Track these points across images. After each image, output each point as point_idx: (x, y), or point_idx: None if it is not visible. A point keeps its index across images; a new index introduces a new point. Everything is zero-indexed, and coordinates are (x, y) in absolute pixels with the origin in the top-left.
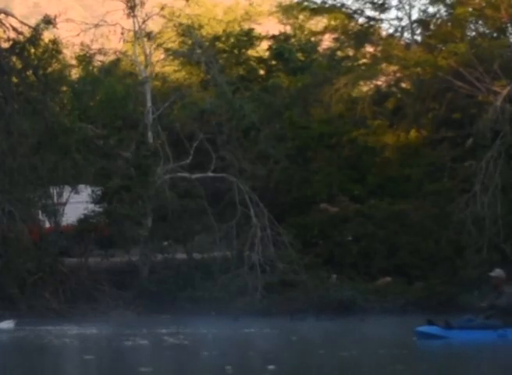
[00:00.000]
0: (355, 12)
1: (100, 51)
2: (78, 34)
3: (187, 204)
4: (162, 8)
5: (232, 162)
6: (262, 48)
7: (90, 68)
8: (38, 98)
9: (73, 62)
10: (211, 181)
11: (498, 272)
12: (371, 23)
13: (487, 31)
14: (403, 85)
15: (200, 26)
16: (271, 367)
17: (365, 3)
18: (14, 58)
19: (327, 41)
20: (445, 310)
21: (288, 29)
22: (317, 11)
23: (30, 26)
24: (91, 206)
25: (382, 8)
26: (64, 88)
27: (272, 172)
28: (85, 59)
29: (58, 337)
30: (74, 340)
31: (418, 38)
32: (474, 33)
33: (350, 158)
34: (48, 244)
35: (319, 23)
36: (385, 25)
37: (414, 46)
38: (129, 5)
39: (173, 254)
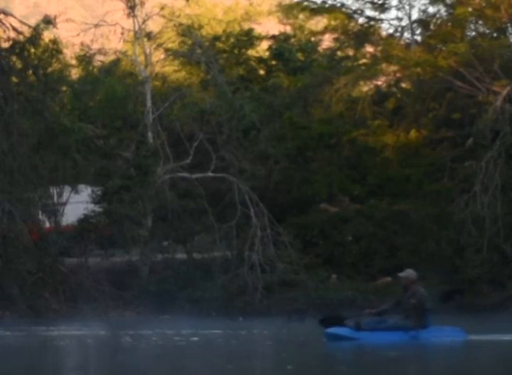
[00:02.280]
0: (355, 12)
1: (100, 51)
2: (78, 34)
3: (187, 204)
4: (162, 8)
5: (232, 162)
6: (262, 48)
7: (90, 68)
8: (38, 98)
9: (73, 62)
10: (211, 181)
11: (408, 272)
12: (371, 23)
13: (487, 31)
14: (403, 85)
15: (200, 26)
16: None
17: (365, 3)
18: (14, 58)
19: (327, 41)
20: (445, 310)
21: (288, 29)
22: (317, 11)
23: (30, 26)
24: (91, 206)
25: (382, 8)
26: (64, 88)
27: (272, 172)
28: (85, 59)
29: (57, 337)
30: (74, 340)
31: (418, 38)
32: (474, 33)
33: (350, 158)
34: (48, 244)
35: (319, 23)
36: (385, 25)
37: (414, 46)
38: (129, 5)
39: (173, 254)
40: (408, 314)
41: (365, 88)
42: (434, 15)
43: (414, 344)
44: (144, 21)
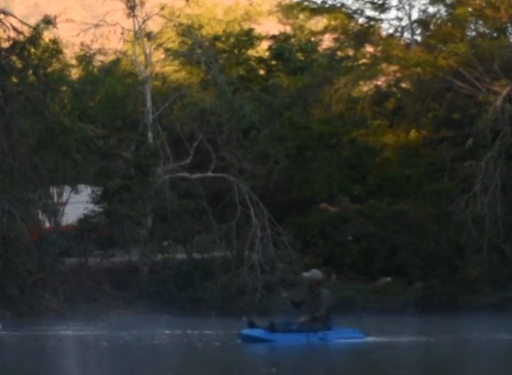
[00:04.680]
0: (355, 12)
1: (100, 51)
2: (78, 34)
3: (187, 204)
4: (162, 8)
5: (232, 162)
6: (262, 48)
7: (90, 68)
8: (38, 98)
9: (73, 62)
10: (211, 181)
11: (313, 272)
12: (371, 23)
13: (487, 31)
14: (403, 85)
15: (200, 26)
16: None
17: (365, 3)
18: (14, 58)
19: (327, 41)
20: (445, 310)
21: (288, 29)
22: (317, 11)
23: (30, 26)
24: (91, 206)
25: (382, 8)
26: (64, 88)
27: (272, 172)
28: (85, 59)
29: (57, 337)
30: (74, 340)
31: (418, 38)
32: (474, 33)
33: (350, 158)
34: (48, 244)
35: (319, 23)
36: (385, 25)
37: (414, 46)
38: (129, 5)
39: (173, 254)
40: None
41: (365, 88)
42: (434, 15)
43: (321, 344)
44: (144, 21)
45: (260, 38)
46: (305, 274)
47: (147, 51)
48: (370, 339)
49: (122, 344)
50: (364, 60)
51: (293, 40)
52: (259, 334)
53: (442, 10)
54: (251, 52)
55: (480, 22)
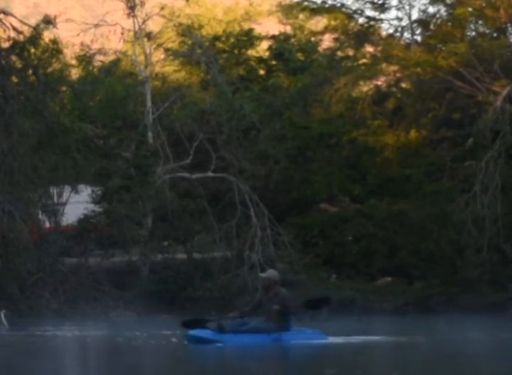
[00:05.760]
0: (355, 12)
1: (100, 51)
2: (78, 34)
3: (187, 204)
4: (162, 8)
5: (232, 162)
6: (262, 48)
7: (90, 68)
8: (38, 98)
9: (73, 62)
10: (211, 181)
11: (270, 273)
12: (371, 23)
13: (487, 31)
14: (403, 85)
15: (200, 26)
16: None
17: (365, 3)
18: (14, 58)
19: (327, 41)
20: (445, 310)
21: (288, 29)
22: (317, 11)
23: (30, 26)
24: (91, 206)
25: (382, 8)
26: (64, 88)
27: (272, 172)
28: (85, 59)
29: (57, 337)
30: (74, 340)
31: (418, 38)
32: (474, 33)
33: (350, 159)
34: (48, 244)
35: (319, 23)
36: (385, 25)
37: (414, 46)
38: (129, 5)
39: (173, 254)
40: (270, 316)
41: (365, 88)
42: (434, 15)
43: (274, 346)
44: (144, 21)
45: (260, 38)
46: (262, 275)
47: (147, 51)
48: (334, 340)
49: (121, 345)
50: (364, 60)
51: (293, 40)
52: (206, 335)
53: (442, 10)
54: (251, 52)
55: (480, 22)
